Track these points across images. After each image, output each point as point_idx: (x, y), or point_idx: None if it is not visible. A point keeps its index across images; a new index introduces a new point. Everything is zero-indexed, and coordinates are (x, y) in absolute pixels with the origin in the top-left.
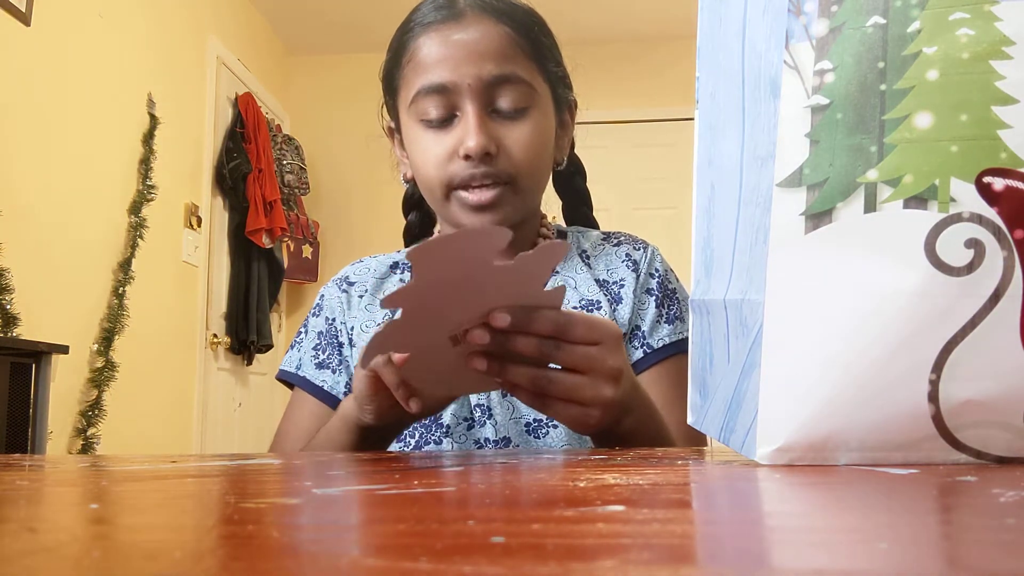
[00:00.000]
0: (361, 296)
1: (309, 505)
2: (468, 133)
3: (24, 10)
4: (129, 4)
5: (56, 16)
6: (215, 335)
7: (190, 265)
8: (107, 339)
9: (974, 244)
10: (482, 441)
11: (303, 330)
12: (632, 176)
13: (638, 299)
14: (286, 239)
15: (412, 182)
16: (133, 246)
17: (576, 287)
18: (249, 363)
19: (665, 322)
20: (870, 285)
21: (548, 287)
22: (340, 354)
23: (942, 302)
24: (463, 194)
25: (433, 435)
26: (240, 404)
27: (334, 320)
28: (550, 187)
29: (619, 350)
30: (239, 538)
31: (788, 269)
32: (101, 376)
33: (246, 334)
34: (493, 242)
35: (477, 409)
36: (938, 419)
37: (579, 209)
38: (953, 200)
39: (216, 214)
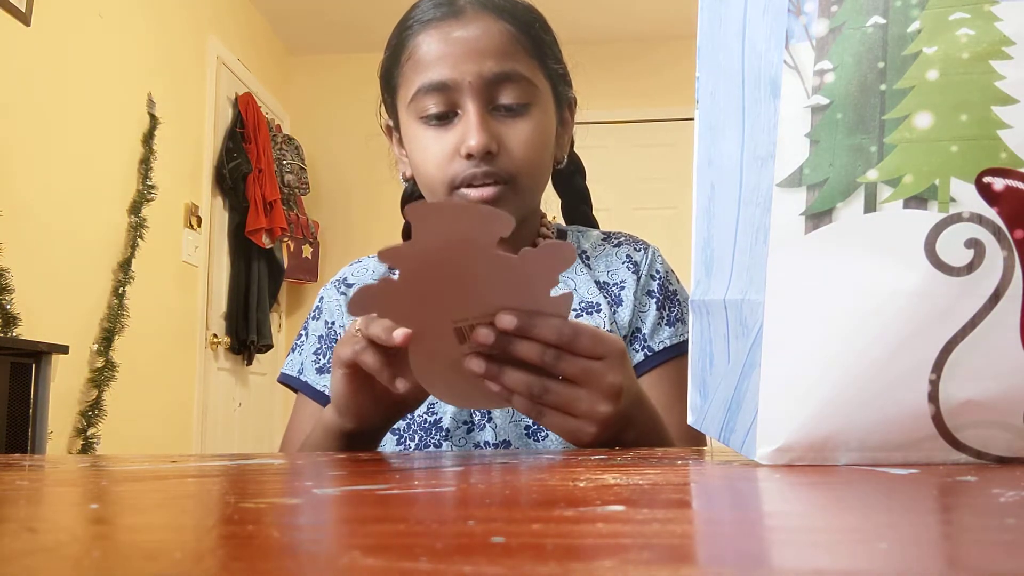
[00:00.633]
0: None
1: (309, 505)
2: (470, 132)
3: (24, 10)
4: (129, 4)
5: (56, 16)
6: (215, 335)
7: (190, 265)
8: (107, 339)
9: (974, 244)
10: (482, 444)
11: (303, 333)
12: (632, 176)
13: (639, 301)
14: (286, 239)
15: (411, 180)
16: (133, 246)
17: (576, 288)
18: (249, 363)
19: (666, 324)
20: (870, 285)
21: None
22: None
23: (942, 302)
24: (465, 192)
25: (432, 438)
26: (240, 404)
27: (333, 323)
28: (550, 186)
29: (622, 366)
30: (239, 538)
31: (788, 269)
32: (101, 376)
33: (246, 334)
34: (495, 225)
35: (476, 412)
36: (938, 419)
37: (579, 208)
38: (953, 200)
39: (216, 214)
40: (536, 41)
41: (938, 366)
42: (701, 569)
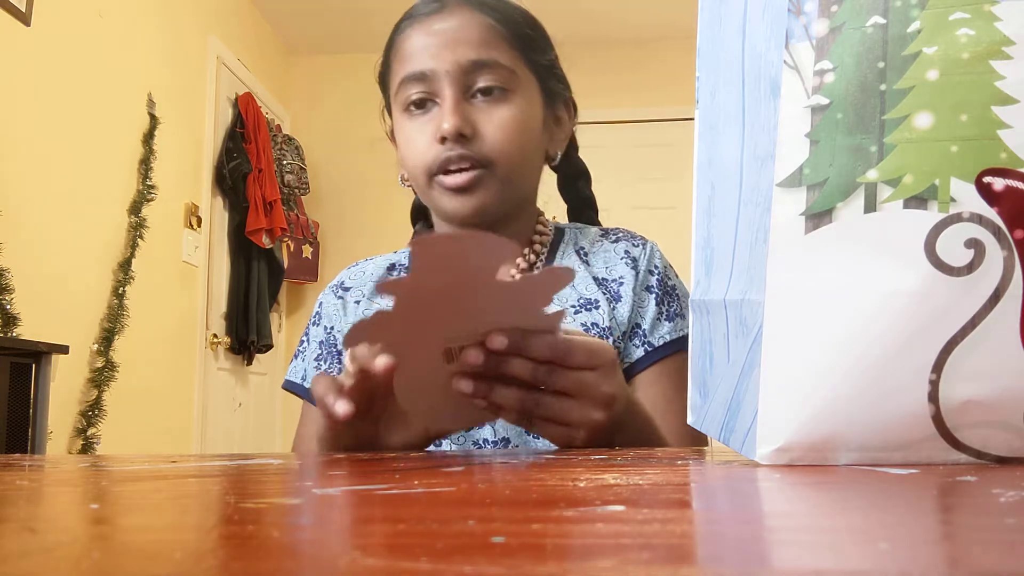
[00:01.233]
0: (357, 302)
1: (309, 505)
2: (444, 116)
3: (24, 10)
4: (129, 4)
5: (56, 16)
6: (215, 335)
7: (190, 265)
8: (107, 339)
9: (974, 244)
10: (481, 442)
11: (305, 339)
12: (632, 176)
13: (638, 297)
14: (286, 239)
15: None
16: (133, 246)
17: (574, 285)
18: (249, 363)
19: (666, 319)
20: (870, 285)
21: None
22: (341, 364)
23: (942, 302)
24: (442, 178)
25: None
26: (240, 404)
27: (332, 329)
28: (555, 191)
29: (614, 374)
30: (239, 538)
31: (788, 269)
32: (101, 376)
33: (246, 334)
34: (500, 253)
35: None
36: (938, 419)
37: (584, 213)
38: (953, 200)
39: (216, 214)
40: (519, 34)
41: (938, 366)
42: (701, 569)
